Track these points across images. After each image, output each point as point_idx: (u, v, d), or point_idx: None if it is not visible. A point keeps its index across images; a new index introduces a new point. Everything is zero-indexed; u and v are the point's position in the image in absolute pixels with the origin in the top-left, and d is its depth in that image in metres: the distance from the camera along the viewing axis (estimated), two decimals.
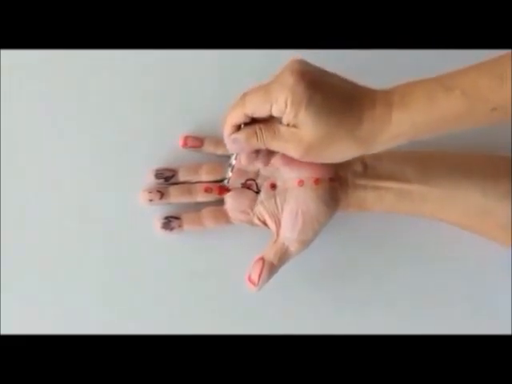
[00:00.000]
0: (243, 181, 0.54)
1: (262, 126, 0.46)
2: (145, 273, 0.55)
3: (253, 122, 0.47)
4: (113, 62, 0.57)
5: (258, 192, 0.53)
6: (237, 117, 0.47)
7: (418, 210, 0.54)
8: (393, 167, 0.53)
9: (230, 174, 0.52)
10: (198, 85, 0.57)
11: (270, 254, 0.51)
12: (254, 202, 0.53)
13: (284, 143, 0.46)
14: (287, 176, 0.52)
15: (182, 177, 0.55)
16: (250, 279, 0.51)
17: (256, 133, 0.47)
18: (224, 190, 0.54)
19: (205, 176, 0.55)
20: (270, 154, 0.49)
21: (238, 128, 0.47)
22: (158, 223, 0.54)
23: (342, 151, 0.46)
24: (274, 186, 0.53)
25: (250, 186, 0.53)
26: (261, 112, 0.46)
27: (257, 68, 0.57)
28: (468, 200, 0.52)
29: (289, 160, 0.50)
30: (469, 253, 0.57)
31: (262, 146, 0.47)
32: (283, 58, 0.56)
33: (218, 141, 0.55)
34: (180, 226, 0.54)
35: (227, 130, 0.47)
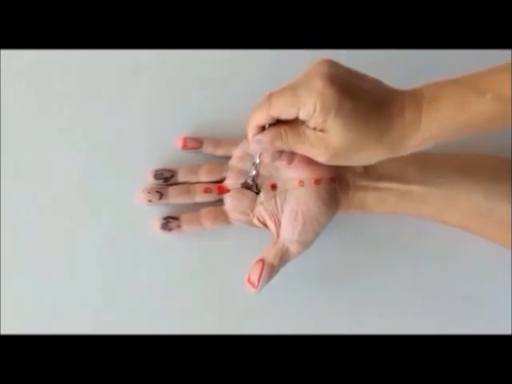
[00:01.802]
0: (243, 181, 0.53)
1: (287, 128, 0.45)
2: (144, 273, 0.55)
3: (277, 122, 0.46)
4: (112, 63, 0.57)
5: (258, 192, 0.53)
6: (261, 118, 0.46)
7: (418, 211, 0.53)
8: (394, 168, 0.52)
9: (253, 172, 0.51)
10: (197, 85, 0.57)
11: (270, 255, 0.51)
12: (253, 202, 0.53)
13: (310, 147, 0.45)
14: (287, 176, 0.52)
15: (181, 177, 0.55)
16: (249, 281, 0.51)
17: (281, 135, 0.46)
18: (223, 189, 0.54)
19: (204, 176, 0.54)
20: (294, 152, 0.48)
21: (263, 128, 0.46)
22: (156, 224, 0.54)
23: (370, 156, 0.45)
24: (274, 187, 0.53)
25: (250, 186, 0.53)
26: (287, 115, 0.45)
27: (257, 68, 0.57)
28: (469, 201, 0.52)
29: (293, 160, 0.50)
30: (469, 253, 0.57)
31: (286, 148, 0.46)
32: (284, 58, 0.56)
33: (217, 142, 0.55)
34: (179, 226, 0.53)
35: (251, 130, 0.47)
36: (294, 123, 0.45)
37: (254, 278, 0.51)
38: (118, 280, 0.55)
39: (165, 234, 0.54)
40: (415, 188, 0.52)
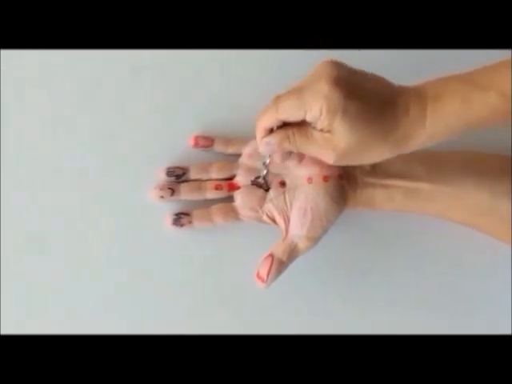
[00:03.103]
0: (252, 178, 0.54)
1: (295, 130, 0.46)
2: (154, 269, 0.55)
3: (285, 124, 0.46)
4: (112, 63, 0.57)
5: (267, 189, 0.53)
6: (269, 121, 0.46)
7: (426, 208, 0.54)
8: (401, 166, 0.53)
9: (264, 172, 0.53)
10: (208, 85, 0.57)
11: (279, 251, 0.51)
12: (263, 199, 0.53)
13: (318, 148, 0.46)
14: (296, 173, 0.53)
15: (192, 175, 0.55)
16: (258, 276, 0.51)
17: (289, 137, 0.46)
18: (234, 186, 0.54)
19: (215, 174, 0.55)
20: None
21: (271, 131, 0.47)
22: (168, 219, 0.54)
23: (377, 155, 0.46)
24: (283, 184, 0.53)
25: (260, 183, 0.53)
26: (294, 118, 0.45)
27: (267, 68, 0.58)
28: (476, 199, 0.52)
29: (303, 159, 0.51)
30: (469, 253, 0.57)
31: (294, 150, 0.47)
32: (286, 59, 0.56)
33: (228, 140, 0.55)
34: (190, 222, 0.54)
35: (260, 133, 0.47)
36: (301, 125, 0.46)
37: (263, 274, 0.51)
38: (125, 277, 0.55)
39: (176, 230, 0.54)
40: (423, 186, 0.52)
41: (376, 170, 0.53)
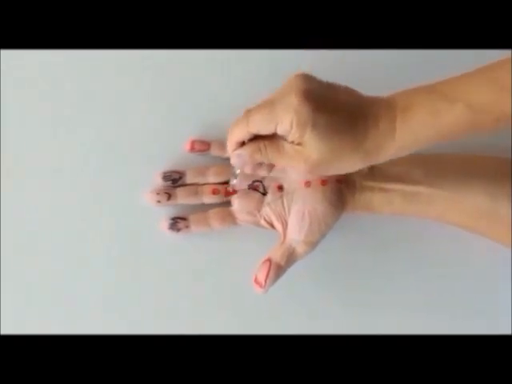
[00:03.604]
0: (250, 182, 0.54)
1: (266, 142, 0.46)
2: (151, 273, 0.55)
3: (256, 137, 0.47)
4: (112, 63, 0.57)
5: (264, 194, 0.53)
6: (240, 134, 0.47)
7: (425, 212, 0.53)
8: (400, 169, 0.53)
9: (234, 181, 0.53)
10: (208, 86, 0.57)
11: (277, 256, 0.51)
12: (260, 203, 0.53)
13: (289, 160, 0.46)
14: (294, 177, 0.52)
15: (189, 179, 0.55)
16: (256, 281, 0.51)
17: (260, 149, 0.47)
18: (231, 191, 0.54)
19: (212, 178, 0.55)
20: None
21: (242, 143, 0.47)
22: (165, 224, 0.54)
23: (348, 165, 0.46)
24: (280, 188, 0.53)
25: (257, 187, 0.53)
26: (265, 131, 0.46)
27: (267, 68, 0.57)
28: (475, 202, 0.52)
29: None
30: (469, 253, 0.57)
31: (265, 161, 0.47)
32: (284, 59, 0.56)
33: (225, 144, 0.55)
34: (187, 226, 0.54)
35: (231, 146, 0.48)
36: (272, 137, 0.46)
37: (261, 278, 0.51)
38: (123, 280, 0.55)
39: (173, 235, 0.54)
40: (422, 189, 0.52)
41: (374, 173, 0.53)
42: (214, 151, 0.55)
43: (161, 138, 0.56)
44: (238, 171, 0.52)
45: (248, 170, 0.49)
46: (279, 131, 0.45)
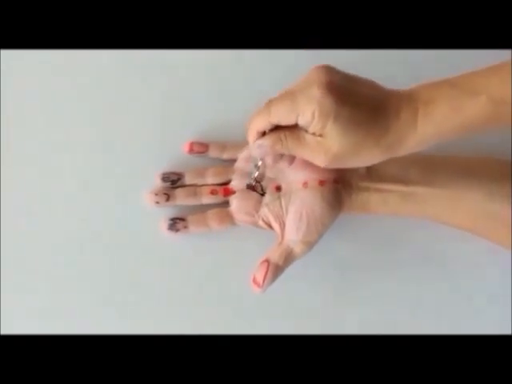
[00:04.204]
0: (248, 182, 0.54)
1: (287, 132, 0.46)
2: (150, 273, 0.55)
3: (277, 127, 0.47)
4: (112, 63, 0.57)
5: (263, 194, 0.53)
6: (261, 124, 0.47)
7: (421, 212, 0.53)
8: (396, 169, 0.53)
9: (256, 173, 0.53)
10: (208, 86, 0.57)
11: (275, 256, 0.51)
12: (258, 203, 0.53)
13: (309, 152, 0.46)
14: (292, 178, 0.53)
15: (188, 180, 0.55)
16: (254, 281, 0.51)
17: (281, 140, 0.47)
18: (229, 191, 0.54)
19: (211, 179, 0.55)
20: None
21: (263, 134, 0.47)
22: (164, 224, 0.54)
23: (368, 158, 0.46)
24: (278, 188, 0.53)
25: (255, 187, 0.54)
26: (286, 121, 0.45)
27: (267, 68, 0.57)
28: (472, 202, 0.52)
29: (294, 161, 0.51)
30: (469, 253, 0.57)
31: (286, 152, 0.47)
32: (285, 58, 0.56)
33: (223, 145, 0.55)
34: (185, 227, 0.54)
35: (252, 136, 0.48)
36: (293, 128, 0.46)
37: (260, 278, 0.51)
38: (122, 280, 0.55)
39: (172, 235, 0.54)
40: (418, 189, 0.52)
41: (371, 174, 0.53)
42: (213, 153, 0.55)
43: (160, 139, 0.56)
44: (259, 163, 0.52)
45: (269, 160, 0.49)
46: (301, 122, 0.45)
